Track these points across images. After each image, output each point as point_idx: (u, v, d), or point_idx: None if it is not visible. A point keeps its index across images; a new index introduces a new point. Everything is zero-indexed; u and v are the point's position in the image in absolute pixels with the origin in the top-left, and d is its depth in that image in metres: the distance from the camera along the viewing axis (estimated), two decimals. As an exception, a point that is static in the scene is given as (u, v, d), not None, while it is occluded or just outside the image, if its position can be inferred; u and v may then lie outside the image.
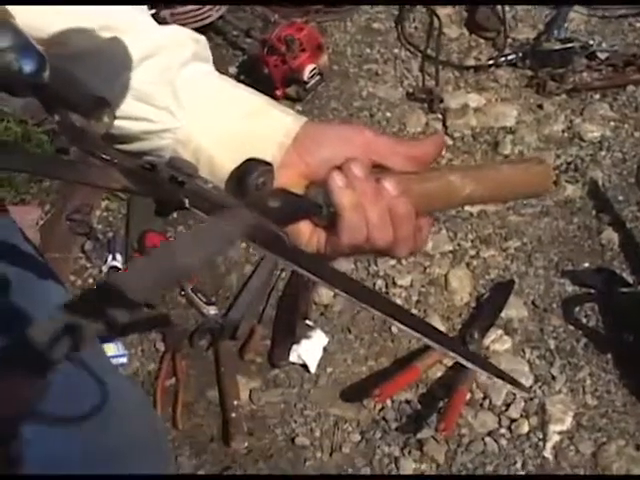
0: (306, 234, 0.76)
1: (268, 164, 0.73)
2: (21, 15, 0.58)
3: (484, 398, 2.03)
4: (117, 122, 0.72)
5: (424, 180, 0.77)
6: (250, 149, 0.75)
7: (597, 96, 2.65)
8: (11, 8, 0.58)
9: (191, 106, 0.78)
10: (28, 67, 0.57)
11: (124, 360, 2.12)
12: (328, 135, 0.78)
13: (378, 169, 0.77)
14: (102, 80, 0.72)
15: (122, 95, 0.75)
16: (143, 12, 0.80)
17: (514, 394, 2.03)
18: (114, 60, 0.76)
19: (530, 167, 0.82)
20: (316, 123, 0.80)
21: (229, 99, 0.79)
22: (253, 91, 0.81)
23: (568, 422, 1.99)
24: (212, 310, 2.20)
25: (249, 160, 0.73)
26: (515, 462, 1.94)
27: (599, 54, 2.70)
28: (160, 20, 2.77)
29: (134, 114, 0.77)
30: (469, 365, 0.75)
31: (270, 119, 0.78)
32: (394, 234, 0.75)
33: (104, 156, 0.64)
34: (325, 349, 2.14)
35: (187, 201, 0.64)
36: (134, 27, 0.77)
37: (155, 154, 0.80)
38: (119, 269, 2.25)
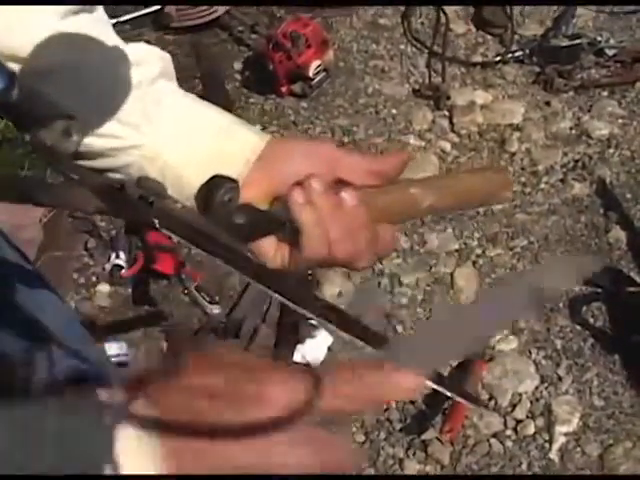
0: (271, 249, 0.77)
1: (234, 181, 0.74)
2: None
3: (490, 399, 2.02)
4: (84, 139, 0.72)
5: (385, 193, 0.79)
6: (217, 166, 0.76)
7: (605, 93, 2.63)
8: None
9: (158, 123, 0.78)
10: None
11: (127, 359, 2.11)
12: (292, 151, 0.79)
13: (342, 184, 0.77)
14: (71, 97, 0.71)
15: (91, 112, 0.74)
16: (109, 28, 0.80)
17: (520, 395, 2.02)
18: (83, 77, 0.75)
19: (488, 176, 0.85)
20: (281, 140, 0.82)
21: (196, 117, 0.80)
22: (218, 109, 0.82)
23: (574, 423, 1.97)
24: (216, 309, 2.19)
25: (215, 177, 0.74)
26: (521, 464, 1.93)
27: (607, 50, 2.67)
28: (166, 17, 2.76)
29: (101, 130, 0.76)
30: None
31: (236, 136, 0.79)
32: (353, 246, 0.76)
33: (74, 176, 0.63)
34: (329, 349, 2.13)
35: (157, 222, 0.64)
36: (101, 45, 0.77)
37: (121, 171, 0.79)
38: (122, 267, 2.23)
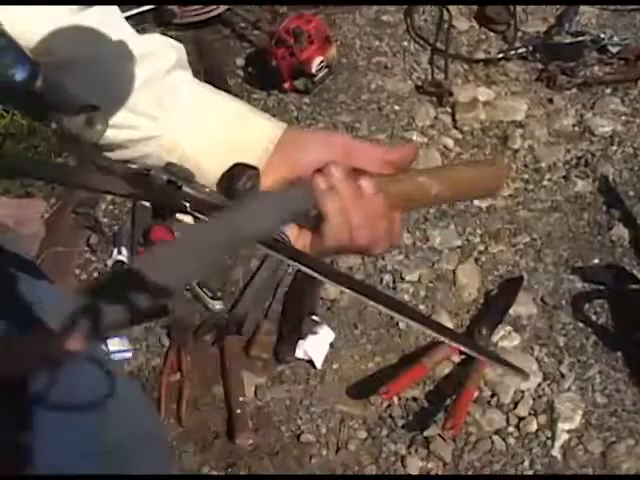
0: (292, 236, 0.78)
1: (255, 168, 0.76)
2: (8, 24, 0.58)
3: (492, 396, 2.01)
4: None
5: (397, 181, 0.82)
6: (235, 155, 0.78)
7: (608, 90, 2.62)
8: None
9: (175, 113, 0.79)
10: (21, 75, 0.57)
11: (129, 355, 2.11)
12: (309, 140, 0.81)
13: (356, 172, 0.80)
14: (90, 89, 0.72)
15: (110, 103, 0.75)
16: (122, 20, 0.81)
17: (522, 392, 2.01)
18: (97, 70, 0.76)
19: (487, 167, 0.91)
20: (296, 129, 0.87)
21: (212, 106, 0.81)
22: (234, 98, 0.84)
23: (577, 421, 1.97)
24: (218, 305, 2.18)
25: (237, 165, 0.76)
26: (523, 461, 1.92)
27: (610, 48, 2.67)
28: (168, 13, 2.76)
29: (118, 122, 0.77)
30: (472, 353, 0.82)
31: (253, 125, 0.81)
32: (373, 232, 0.79)
33: (103, 163, 0.64)
34: (331, 345, 2.13)
35: (188, 205, 0.65)
36: (117, 36, 0.77)
37: (139, 162, 0.80)
38: (124, 263, 2.23)
